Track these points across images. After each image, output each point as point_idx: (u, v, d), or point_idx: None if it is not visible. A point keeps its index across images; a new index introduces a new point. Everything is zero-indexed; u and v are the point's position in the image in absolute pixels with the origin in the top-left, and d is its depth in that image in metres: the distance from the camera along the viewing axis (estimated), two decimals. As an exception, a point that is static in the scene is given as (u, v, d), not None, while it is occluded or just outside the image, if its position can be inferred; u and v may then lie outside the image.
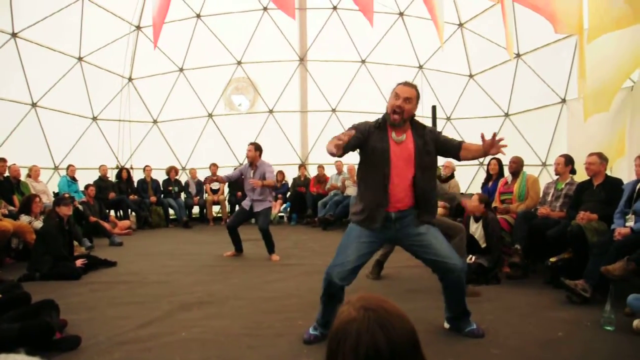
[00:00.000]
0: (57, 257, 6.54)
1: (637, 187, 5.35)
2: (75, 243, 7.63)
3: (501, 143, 3.71)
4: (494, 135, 3.70)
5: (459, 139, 4.18)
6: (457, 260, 3.93)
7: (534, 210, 6.73)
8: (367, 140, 3.91)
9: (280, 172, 13.04)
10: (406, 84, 3.94)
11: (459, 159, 4.01)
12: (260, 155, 7.91)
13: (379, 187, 3.88)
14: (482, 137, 3.77)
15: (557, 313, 4.74)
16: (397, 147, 3.89)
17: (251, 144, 7.98)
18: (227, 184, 13.17)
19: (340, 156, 3.92)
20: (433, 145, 3.96)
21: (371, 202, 3.93)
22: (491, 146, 3.71)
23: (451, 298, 4.09)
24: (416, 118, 4.04)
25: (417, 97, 3.92)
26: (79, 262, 6.74)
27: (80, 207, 9.84)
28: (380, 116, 4.04)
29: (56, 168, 11.86)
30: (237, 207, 13.08)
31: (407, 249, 4.10)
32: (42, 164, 10.89)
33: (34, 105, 10.98)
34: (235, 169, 13.17)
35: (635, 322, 4.09)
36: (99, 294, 5.67)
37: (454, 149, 3.95)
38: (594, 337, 4.03)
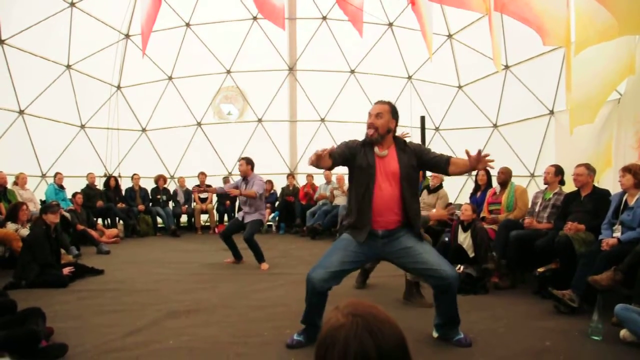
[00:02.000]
0: (43, 265, 6.49)
1: (624, 198, 5.41)
2: (63, 251, 7.58)
3: (487, 158, 3.75)
4: (479, 151, 3.75)
5: (447, 149, 4.25)
6: (448, 268, 3.95)
7: (520, 221, 6.77)
8: (354, 157, 4.03)
9: (269, 182, 13.03)
10: (378, 102, 4.10)
11: (447, 174, 4.09)
12: (252, 169, 8.03)
13: (364, 202, 3.97)
14: (467, 153, 3.84)
15: (544, 323, 4.77)
16: (382, 162, 3.99)
17: (242, 158, 8.13)
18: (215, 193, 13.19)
19: (329, 169, 4.06)
20: (415, 160, 4.04)
21: (357, 217, 4.01)
22: (477, 161, 3.78)
23: (443, 305, 4.11)
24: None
25: (392, 111, 4.05)
26: (66, 270, 6.69)
27: (68, 215, 9.77)
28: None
29: (43, 176, 11.78)
30: (225, 216, 13.13)
31: (396, 263, 4.15)
32: (29, 171, 10.80)
33: (21, 112, 10.91)
34: (224, 179, 13.22)
35: (622, 332, 4.12)
36: (86, 302, 5.63)
37: (443, 165, 4.02)
38: (581, 347, 4.06)
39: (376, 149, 4.03)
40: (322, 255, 4.15)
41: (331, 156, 3.85)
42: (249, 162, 8.01)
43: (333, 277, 3.99)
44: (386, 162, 4.00)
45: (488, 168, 3.92)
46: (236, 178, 8.70)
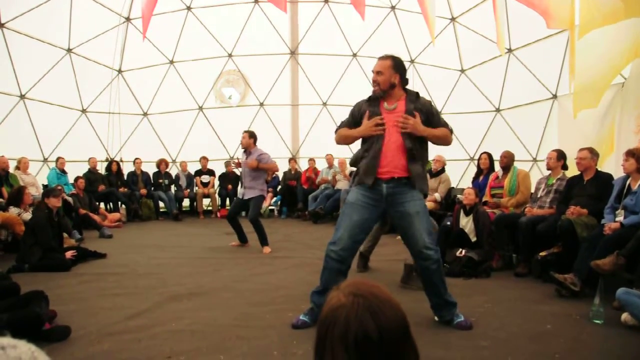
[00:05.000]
0: (46, 249, 6.53)
1: (627, 182, 5.40)
2: (65, 235, 7.61)
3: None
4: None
5: None
6: (432, 250, 4.02)
7: (517, 211, 6.79)
8: (362, 116, 4.17)
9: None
10: (380, 57, 4.19)
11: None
12: (254, 143, 7.95)
13: (373, 150, 4.07)
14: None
15: (546, 306, 4.79)
16: (390, 114, 4.08)
17: (246, 131, 8.06)
18: (217, 176, 13.21)
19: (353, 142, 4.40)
20: (424, 115, 4.09)
21: (366, 163, 4.11)
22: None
23: (425, 284, 4.21)
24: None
25: (393, 65, 4.11)
26: (68, 254, 6.72)
27: (70, 199, 9.80)
28: None
29: (45, 160, 11.79)
30: (227, 200, 13.15)
31: (392, 219, 4.29)
32: (31, 156, 10.79)
33: (22, 96, 10.88)
34: (225, 163, 13.20)
35: (624, 316, 4.14)
36: (89, 285, 5.67)
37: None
38: (582, 330, 4.07)
39: (385, 104, 4.12)
40: (333, 232, 4.22)
41: (339, 128, 4.27)
42: (252, 136, 7.94)
43: (348, 250, 4.12)
44: (394, 114, 4.07)
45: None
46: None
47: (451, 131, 4.22)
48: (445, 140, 4.19)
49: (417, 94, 4.21)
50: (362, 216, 4.12)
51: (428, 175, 8.80)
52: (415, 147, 4.04)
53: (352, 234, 4.10)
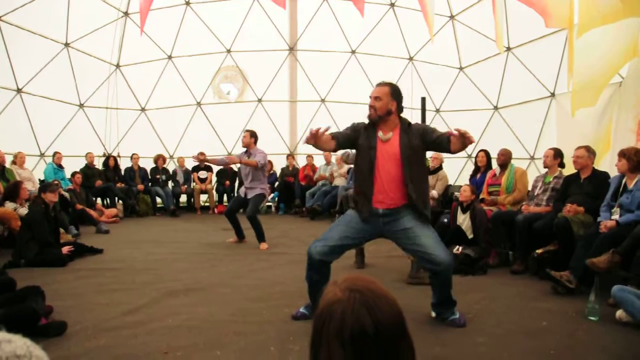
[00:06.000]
0: (42, 244, 6.52)
1: (623, 180, 5.42)
2: (62, 230, 7.59)
3: (468, 136, 3.67)
4: (459, 133, 3.68)
5: (446, 130, 4.24)
6: (442, 254, 3.96)
7: (518, 209, 6.80)
8: (357, 138, 4.14)
9: (269, 162, 13.01)
10: (378, 84, 4.15)
11: (450, 152, 4.03)
12: (255, 143, 7.96)
13: (366, 182, 4.08)
14: (450, 134, 3.79)
15: (542, 303, 4.81)
16: (384, 145, 4.05)
17: (247, 130, 8.08)
18: (215, 172, 13.20)
19: (333, 151, 4.29)
20: (419, 140, 4.05)
21: (360, 196, 4.14)
22: (461, 142, 3.75)
23: (436, 287, 4.15)
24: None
25: (392, 93, 4.06)
26: (65, 249, 6.71)
27: (67, 194, 9.78)
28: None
29: (42, 155, 11.76)
30: (224, 197, 13.15)
31: (395, 241, 4.24)
32: (28, 151, 10.76)
33: (19, 91, 10.84)
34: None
35: (618, 313, 4.16)
36: (86, 280, 5.67)
37: (445, 144, 3.97)
38: (578, 327, 4.09)
39: (380, 134, 4.08)
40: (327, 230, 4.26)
41: (334, 138, 4.07)
42: (252, 135, 7.95)
43: (332, 251, 4.10)
44: (388, 145, 4.04)
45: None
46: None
47: (449, 137, 4.05)
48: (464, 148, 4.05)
49: (409, 123, 4.16)
50: (358, 229, 4.15)
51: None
52: (414, 173, 4.02)
53: (342, 238, 4.12)
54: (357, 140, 4.14)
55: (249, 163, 7.68)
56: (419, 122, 9.48)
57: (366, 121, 4.19)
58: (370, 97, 4.10)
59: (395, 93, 4.07)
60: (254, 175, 7.85)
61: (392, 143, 4.05)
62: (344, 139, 4.15)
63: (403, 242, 4.14)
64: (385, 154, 4.03)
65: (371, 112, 4.06)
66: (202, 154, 7.91)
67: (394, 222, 4.07)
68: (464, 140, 3.69)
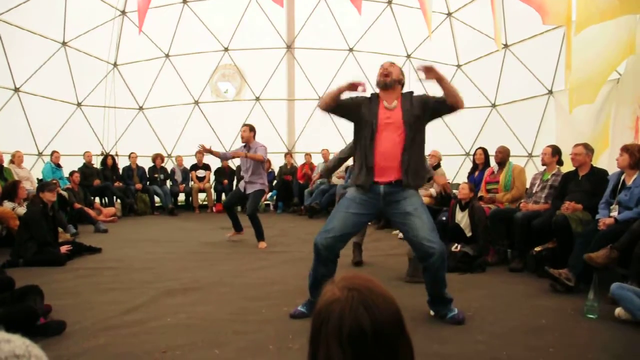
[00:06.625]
0: (41, 243, 6.51)
1: (622, 177, 5.42)
2: (60, 229, 7.58)
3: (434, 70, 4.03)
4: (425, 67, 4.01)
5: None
6: (436, 245, 3.98)
7: (516, 206, 6.80)
8: (359, 107, 4.22)
9: (267, 160, 13.01)
10: (388, 61, 4.36)
11: (453, 108, 4.13)
12: (254, 137, 7.97)
13: (368, 151, 4.12)
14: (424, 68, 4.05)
15: (541, 301, 4.82)
16: (387, 113, 4.14)
17: (246, 125, 8.08)
18: (213, 171, 13.19)
19: (328, 111, 4.26)
20: (420, 110, 4.15)
21: (360, 168, 4.18)
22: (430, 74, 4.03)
23: (429, 281, 4.18)
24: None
25: (401, 70, 4.28)
26: (63, 249, 6.70)
27: (65, 193, 9.77)
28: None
29: (40, 154, 11.74)
30: (223, 195, 13.15)
31: (393, 222, 4.35)
32: (26, 150, 10.74)
33: (16, 90, 10.82)
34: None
35: (617, 310, 4.17)
36: (84, 280, 5.67)
37: (442, 102, 4.14)
38: (576, 325, 4.11)
39: (385, 103, 4.18)
40: (326, 221, 4.28)
41: (336, 102, 4.20)
42: (252, 129, 7.95)
43: (338, 240, 4.16)
44: (391, 112, 4.15)
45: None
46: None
47: (442, 98, 4.21)
48: (458, 96, 4.10)
49: (411, 92, 4.29)
50: (357, 213, 4.18)
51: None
52: (414, 140, 4.11)
53: (345, 226, 4.16)
54: (358, 108, 4.23)
55: (255, 157, 7.67)
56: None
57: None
58: (383, 65, 4.25)
59: (402, 71, 4.29)
60: (254, 170, 7.83)
61: (395, 111, 4.15)
62: (343, 105, 4.24)
63: (399, 225, 4.24)
64: (387, 122, 4.12)
65: (386, 77, 4.17)
66: (203, 146, 7.89)
67: (394, 204, 4.12)
68: (442, 83, 4.01)
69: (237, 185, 8.30)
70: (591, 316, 4.24)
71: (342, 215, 4.20)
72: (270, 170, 13.26)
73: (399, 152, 4.06)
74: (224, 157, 8.69)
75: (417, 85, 12.24)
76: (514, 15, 10.84)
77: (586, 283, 4.73)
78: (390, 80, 4.16)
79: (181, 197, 13.57)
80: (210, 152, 7.97)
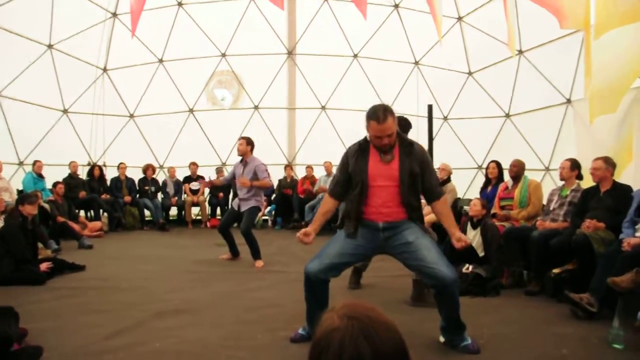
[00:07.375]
0: (19, 260, 6.43)
1: (647, 194, 5.35)
2: (40, 245, 7.51)
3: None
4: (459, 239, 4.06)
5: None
6: (445, 269, 3.89)
7: (532, 224, 6.72)
8: (349, 166, 4.18)
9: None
10: (379, 119, 3.90)
11: (428, 205, 4.27)
12: (251, 151, 7.94)
13: (356, 199, 4.10)
14: (453, 235, 4.13)
15: (560, 328, 4.71)
16: (381, 168, 4.07)
17: (243, 137, 8.03)
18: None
19: (341, 200, 4.38)
20: (419, 167, 4.07)
21: (349, 211, 4.20)
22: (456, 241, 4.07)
23: (441, 307, 4.08)
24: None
25: (393, 119, 3.99)
26: (43, 266, 6.63)
27: (47, 206, 9.72)
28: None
29: (21, 164, 11.72)
30: (218, 209, 13.09)
31: (396, 257, 4.20)
32: (5, 159, 10.70)
33: (-2, 95, 10.84)
34: (217, 169, 13.14)
35: (646, 339, 4.07)
36: (65, 300, 5.59)
37: (433, 197, 4.19)
38: (601, 356, 4.01)
39: (381, 155, 4.07)
40: (319, 252, 4.23)
41: (332, 194, 4.32)
42: (249, 143, 7.92)
43: (330, 268, 4.10)
44: (387, 168, 4.06)
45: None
46: (230, 169, 8.63)
47: (440, 196, 4.24)
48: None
49: (410, 143, 4.15)
50: (355, 246, 4.15)
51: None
52: (411, 196, 4.08)
53: (340, 256, 4.14)
54: (349, 167, 4.16)
55: (262, 185, 7.71)
56: (426, 131, 9.46)
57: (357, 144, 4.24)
58: (381, 137, 3.94)
59: (394, 116, 4.02)
60: (250, 187, 7.79)
61: (392, 165, 4.06)
62: (341, 186, 4.25)
63: (404, 258, 4.10)
64: (381, 174, 4.04)
65: (385, 146, 3.99)
66: (203, 183, 7.89)
67: (395, 237, 4.06)
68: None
69: (231, 202, 8.19)
70: (617, 346, 4.12)
71: (340, 243, 4.16)
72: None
73: (397, 200, 4.04)
74: (226, 183, 8.66)
75: (426, 95, 12.24)
76: (528, 20, 10.86)
77: (610, 309, 4.63)
78: (390, 143, 4.00)
79: (173, 211, 13.55)
80: (212, 184, 7.97)
